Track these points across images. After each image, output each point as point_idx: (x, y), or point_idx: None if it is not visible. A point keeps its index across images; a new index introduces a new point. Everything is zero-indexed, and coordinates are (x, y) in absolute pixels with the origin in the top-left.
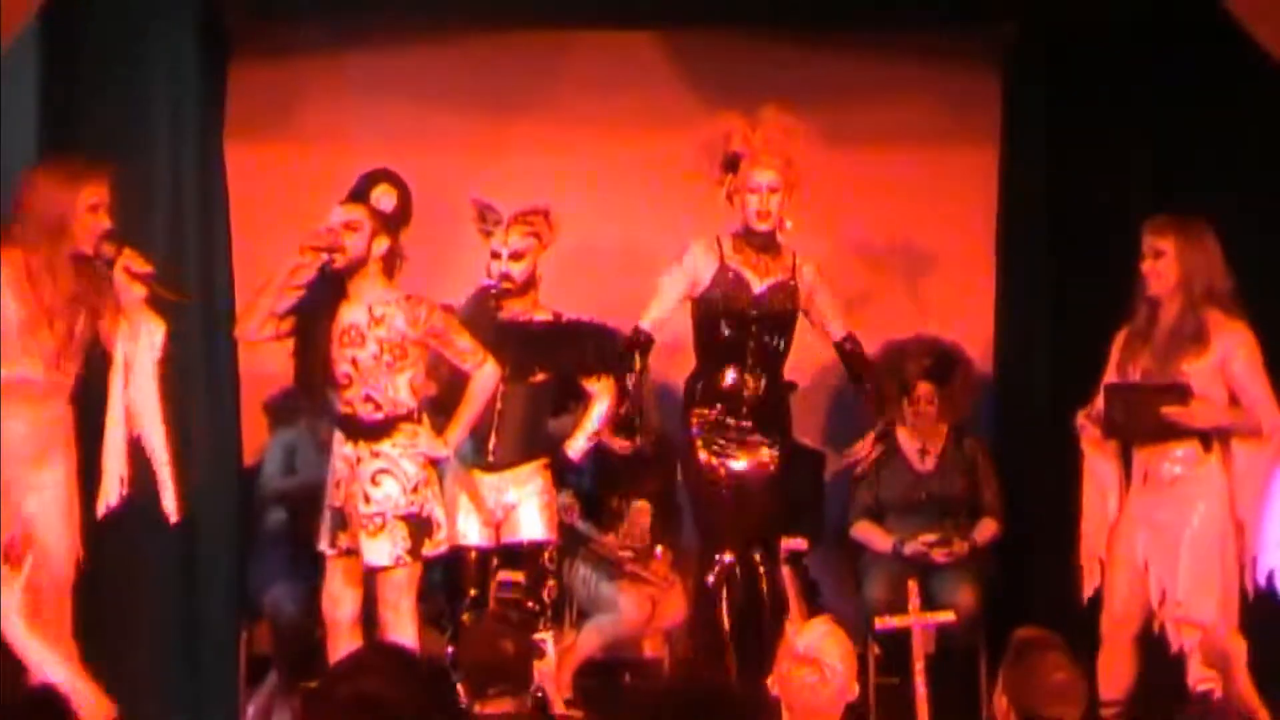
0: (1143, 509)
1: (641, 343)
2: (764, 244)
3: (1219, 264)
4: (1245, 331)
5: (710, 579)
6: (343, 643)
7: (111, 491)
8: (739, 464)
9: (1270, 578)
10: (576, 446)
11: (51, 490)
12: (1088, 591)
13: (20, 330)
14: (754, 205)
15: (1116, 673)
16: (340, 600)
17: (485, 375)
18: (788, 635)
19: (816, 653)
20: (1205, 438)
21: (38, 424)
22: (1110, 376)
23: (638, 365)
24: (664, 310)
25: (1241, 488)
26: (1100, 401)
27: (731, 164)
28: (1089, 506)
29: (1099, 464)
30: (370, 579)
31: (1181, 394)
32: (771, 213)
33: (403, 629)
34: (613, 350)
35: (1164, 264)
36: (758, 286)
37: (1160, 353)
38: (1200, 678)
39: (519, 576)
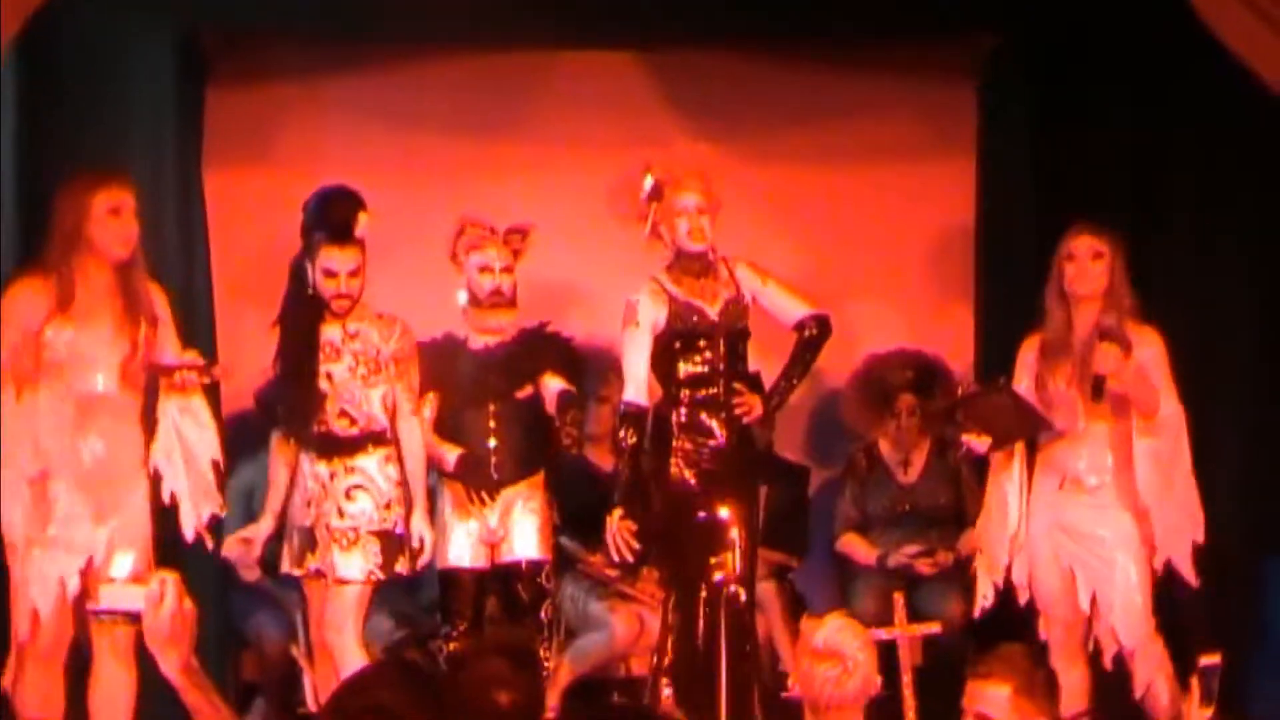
0: (1058, 514)
1: (636, 416)
2: (701, 268)
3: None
4: (1157, 336)
5: (697, 611)
6: (349, 660)
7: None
8: (716, 505)
9: (1166, 565)
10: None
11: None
12: (979, 609)
13: (83, 347)
14: (684, 226)
15: (1072, 683)
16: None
17: (414, 429)
18: (804, 633)
19: (837, 645)
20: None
21: (116, 441)
22: (1030, 388)
23: (634, 439)
24: (639, 376)
25: (1143, 478)
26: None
27: (655, 193)
28: (991, 522)
29: (1001, 477)
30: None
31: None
32: (704, 230)
33: (349, 654)
34: (572, 355)
35: (1100, 266)
36: (713, 313)
37: (1080, 359)
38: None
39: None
